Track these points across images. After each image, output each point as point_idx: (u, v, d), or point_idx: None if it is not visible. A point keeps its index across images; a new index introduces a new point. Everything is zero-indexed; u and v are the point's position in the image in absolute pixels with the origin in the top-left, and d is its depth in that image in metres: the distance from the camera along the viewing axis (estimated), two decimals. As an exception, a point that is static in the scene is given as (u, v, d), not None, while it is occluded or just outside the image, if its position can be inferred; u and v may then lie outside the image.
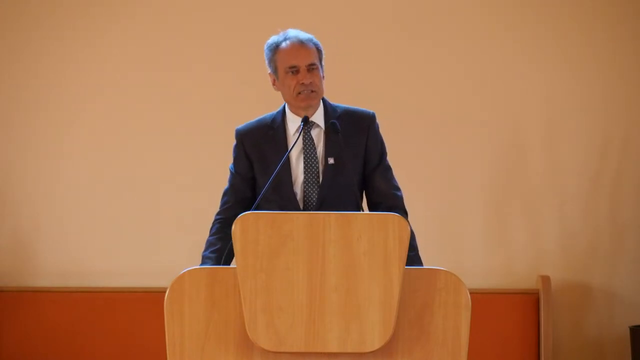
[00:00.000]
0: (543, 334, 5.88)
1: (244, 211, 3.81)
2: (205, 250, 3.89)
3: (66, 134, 6.19)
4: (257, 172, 3.94)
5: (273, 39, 3.93)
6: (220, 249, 3.86)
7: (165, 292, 3.33)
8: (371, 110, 4.00)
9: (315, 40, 3.92)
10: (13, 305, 6.08)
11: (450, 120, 6.11)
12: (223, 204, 4.02)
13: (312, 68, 3.87)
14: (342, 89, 5.80)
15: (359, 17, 6.13)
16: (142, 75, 6.17)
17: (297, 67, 3.86)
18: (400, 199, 3.96)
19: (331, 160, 3.89)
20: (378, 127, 3.99)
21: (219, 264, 3.79)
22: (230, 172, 4.01)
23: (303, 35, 3.91)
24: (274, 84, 3.95)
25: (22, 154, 6.20)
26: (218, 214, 4.02)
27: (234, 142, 4.01)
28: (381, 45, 6.12)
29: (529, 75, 6.09)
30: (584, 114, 6.09)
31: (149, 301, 5.99)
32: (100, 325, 6.03)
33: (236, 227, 3.29)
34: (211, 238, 3.93)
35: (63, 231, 6.17)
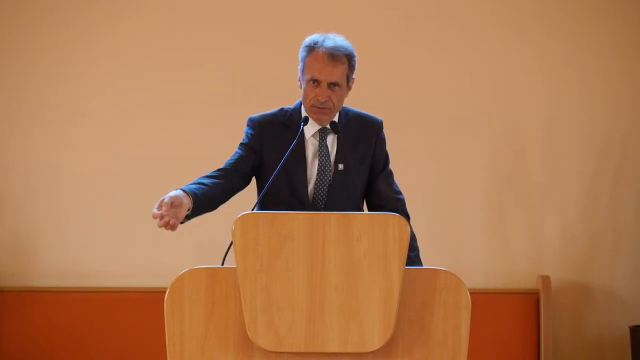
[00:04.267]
0: (543, 334, 5.88)
1: (242, 180, 3.86)
2: (189, 183, 3.75)
3: (66, 134, 6.19)
4: (266, 167, 3.91)
5: (312, 39, 3.86)
6: (205, 185, 3.73)
7: (165, 292, 3.33)
8: (379, 117, 4.02)
9: (350, 52, 3.84)
10: (13, 305, 6.08)
11: (450, 119, 6.11)
12: (225, 164, 3.91)
13: (333, 86, 3.83)
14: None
15: (357, 17, 6.12)
16: (143, 76, 6.17)
17: (318, 81, 3.82)
18: (402, 203, 3.97)
19: (341, 167, 3.90)
20: (384, 136, 4.01)
21: (195, 197, 3.64)
22: (236, 152, 3.94)
23: (339, 46, 3.83)
24: (299, 80, 3.91)
25: (23, 154, 6.20)
26: (218, 170, 3.89)
27: (244, 130, 3.97)
28: (380, 46, 6.12)
29: (529, 75, 6.09)
30: (584, 113, 6.09)
31: (149, 301, 5.99)
32: (100, 325, 6.03)
33: (236, 227, 3.29)
34: (199, 178, 3.79)
35: (63, 231, 6.17)
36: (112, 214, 6.16)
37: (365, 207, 4.04)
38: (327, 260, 3.27)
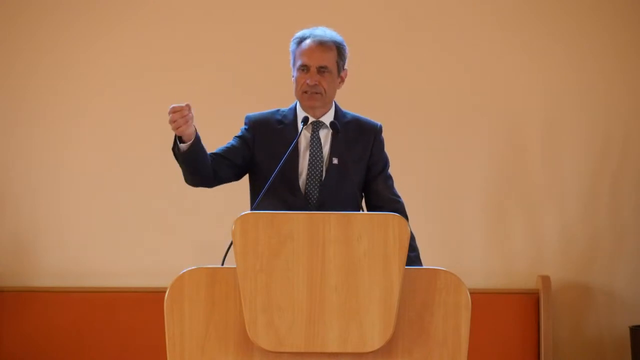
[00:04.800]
0: (543, 334, 5.88)
1: (230, 170, 3.92)
2: None
3: (66, 134, 6.19)
4: (260, 163, 3.94)
5: (300, 32, 3.97)
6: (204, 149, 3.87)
7: (165, 292, 3.33)
8: (379, 122, 4.04)
9: (338, 41, 3.95)
10: (13, 305, 6.08)
11: (450, 119, 6.11)
12: (217, 149, 4.02)
13: (322, 70, 3.90)
14: (341, 89, 5.80)
15: (358, 17, 6.12)
16: (143, 76, 6.17)
17: (307, 67, 3.89)
18: (401, 205, 4.00)
19: (335, 161, 3.92)
20: (383, 140, 4.03)
21: (197, 138, 3.80)
22: (229, 142, 4.02)
23: (328, 35, 3.94)
24: (292, 77, 3.98)
25: (23, 154, 6.20)
26: (211, 153, 4.00)
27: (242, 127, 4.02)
28: (380, 46, 6.12)
29: (529, 75, 6.09)
30: (584, 113, 6.09)
31: (149, 301, 5.99)
32: (100, 325, 6.03)
33: (236, 227, 3.29)
34: None
35: (63, 231, 6.17)
36: (112, 214, 6.16)
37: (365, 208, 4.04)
38: (327, 260, 3.27)
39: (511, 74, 6.10)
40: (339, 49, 3.94)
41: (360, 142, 3.98)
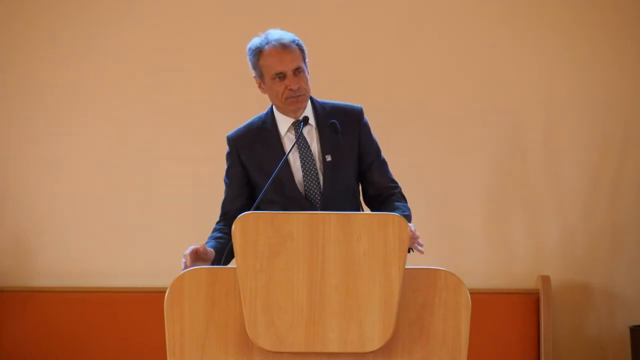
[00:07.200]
0: (543, 334, 5.88)
1: (247, 205, 3.91)
2: (209, 239, 3.90)
3: (66, 134, 6.19)
4: (253, 176, 3.94)
5: (255, 42, 3.90)
6: (223, 238, 3.87)
7: (165, 292, 3.33)
8: (359, 105, 4.00)
9: (298, 40, 3.89)
10: (13, 305, 6.08)
11: (450, 120, 6.11)
12: (222, 214, 4.03)
13: (298, 72, 3.85)
14: (342, 89, 5.80)
15: (358, 16, 6.13)
16: (142, 76, 6.17)
17: (283, 73, 3.85)
18: (398, 191, 3.99)
19: (329, 158, 3.90)
20: (368, 123, 3.99)
21: (221, 250, 3.80)
22: (225, 183, 4.02)
23: (286, 37, 3.87)
24: (260, 87, 3.94)
25: (22, 154, 6.20)
26: (218, 223, 4.02)
27: (226, 153, 4.01)
28: (381, 44, 6.12)
29: (529, 75, 6.09)
30: (584, 114, 6.09)
31: (149, 301, 5.99)
32: (100, 325, 6.03)
33: (236, 227, 3.29)
34: (214, 233, 3.94)
35: (63, 231, 6.17)
36: (112, 214, 6.16)
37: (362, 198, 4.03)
38: (327, 260, 3.27)
39: (511, 74, 6.10)
40: (299, 46, 3.88)
41: (345, 132, 3.90)
